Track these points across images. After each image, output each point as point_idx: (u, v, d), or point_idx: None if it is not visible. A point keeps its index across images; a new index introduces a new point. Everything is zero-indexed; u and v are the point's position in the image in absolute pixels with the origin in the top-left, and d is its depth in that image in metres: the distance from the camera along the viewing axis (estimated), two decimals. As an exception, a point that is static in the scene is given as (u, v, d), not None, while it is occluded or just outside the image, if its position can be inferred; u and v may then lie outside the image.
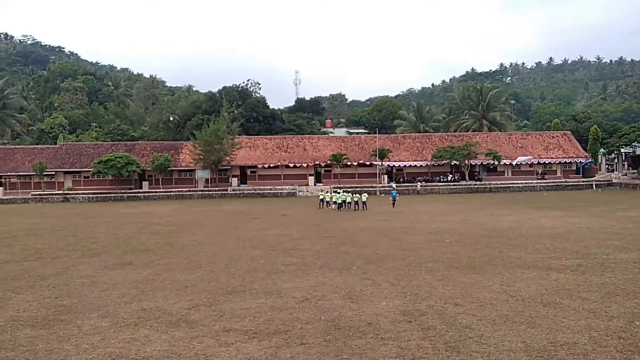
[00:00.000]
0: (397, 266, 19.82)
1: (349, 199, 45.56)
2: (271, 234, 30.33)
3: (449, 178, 76.44)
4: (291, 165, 75.70)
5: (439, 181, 75.32)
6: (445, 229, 30.55)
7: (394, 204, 46.89)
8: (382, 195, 62.91)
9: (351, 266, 20.02)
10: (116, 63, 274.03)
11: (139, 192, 69.32)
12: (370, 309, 14.27)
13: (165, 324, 13.45)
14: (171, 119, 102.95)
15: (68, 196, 66.80)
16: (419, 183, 69.62)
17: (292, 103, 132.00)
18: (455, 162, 74.06)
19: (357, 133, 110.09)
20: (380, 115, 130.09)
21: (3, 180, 75.76)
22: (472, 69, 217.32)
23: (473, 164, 75.52)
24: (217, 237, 29.50)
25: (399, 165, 77.29)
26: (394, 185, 67.49)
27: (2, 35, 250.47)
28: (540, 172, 78.71)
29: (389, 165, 76.51)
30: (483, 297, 15.18)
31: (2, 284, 18.16)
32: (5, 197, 68.98)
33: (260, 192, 67.49)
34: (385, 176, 76.16)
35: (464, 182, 73.15)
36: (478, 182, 73.42)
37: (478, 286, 16.46)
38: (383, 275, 18.24)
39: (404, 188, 66.61)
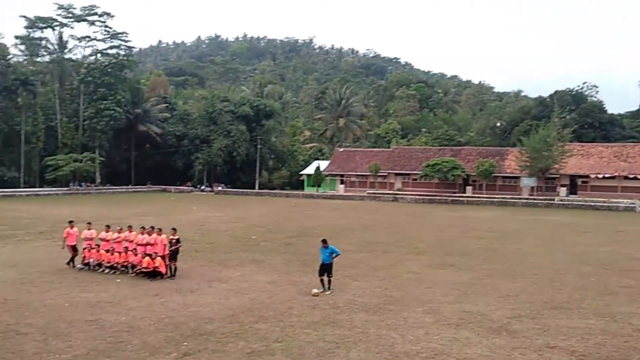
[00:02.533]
0: None
1: None
2: (604, 250, 27.52)
3: None
4: (631, 176, 67.34)
5: None
6: None
7: None
8: None
9: None
10: (446, 71, 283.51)
11: (462, 197, 70.33)
12: None
13: (486, 329, 13.40)
14: (498, 124, 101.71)
15: (397, 196, 71.63)
16: None
17: (636, 107, 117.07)
18: None
19: None
20: None
21: (344, 178, 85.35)
22: None
23: None
24: (542, 248, 28.06)
25: None
26: None
27: (349, 50, 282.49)
28: None
29: None
30: None
31: (342, 271, 20.46)
32: (345, 194, 77.64)
33: (592, 204, 61.69)
34: None
35: None
36: None
37: None
38: None
39: None
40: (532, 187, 70.69)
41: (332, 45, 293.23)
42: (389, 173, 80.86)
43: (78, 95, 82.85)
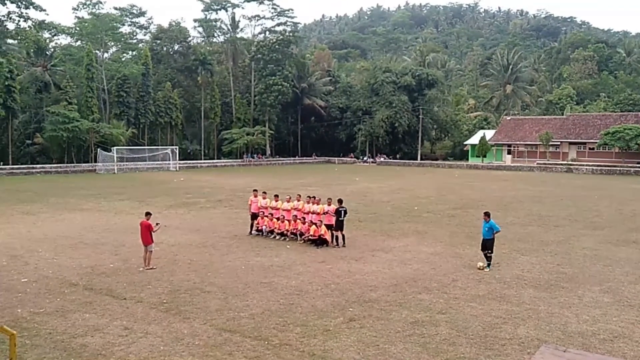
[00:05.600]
0: None
1: None
2: None
3: None
4: None
5: None
6: None
7: None
8: None
9: None
10: (630, 28, 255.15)
11: (649, 167, 63.58)
12: None
13: (676, 314, 12.14)
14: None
15: (571, 167, 66.75)
16: None
17: None
18: None
19: None
20: None
21: (512, 148, 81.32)
22: None
23: None
24: None
25: None
26: None
27: (517, 12, 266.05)
28: None
29: None
30: None
31: (509, 244, 19.70)
32: (513, 164, 74.05)
33: None
34: None
35: None
36: None
37: None
38: None
39: None
40: None
41: (499, 7, 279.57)
42: (562, 142, 75.54)
43: (249, 72, 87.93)
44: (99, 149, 63.16)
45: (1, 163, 61.25)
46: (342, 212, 19.45)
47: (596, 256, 18.00)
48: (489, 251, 16.25)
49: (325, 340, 10.53)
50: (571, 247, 19.58)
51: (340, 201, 19.94)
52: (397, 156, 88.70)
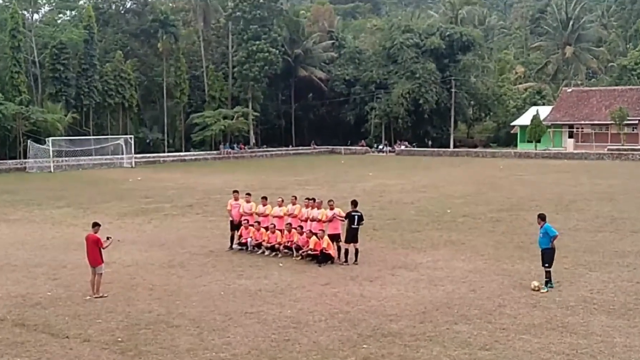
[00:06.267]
0: None
1: None
2: None
3: None
4: None
5: None
6: None
7: None
8: None
9: None
10: None
11: None
12: None
13: None
14: None
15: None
16: None
17: None
18: None
19: None
20: None
21: (575, 130, 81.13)
22: None
23: None
24: None
25: None
26: None
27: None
28: None
29: None
30: None
31: (573, 257, 19.68)
32: (576, 151, 73.93)
33: None
34: None
35: None
36: None
37: None
38: None
39: None
40: None
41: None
42: (640, 121, 75.52)
43: (225, 35, 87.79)
44: (29, 141, 63.15)
45: None
46: (356, 217, 19.38)
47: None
48: (547, 265, 16.22)
49: (332, 387, 10.55)
50: (655, 258, 19.63)
51: (354, 203, 19.88)
52: (429, 143, 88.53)
